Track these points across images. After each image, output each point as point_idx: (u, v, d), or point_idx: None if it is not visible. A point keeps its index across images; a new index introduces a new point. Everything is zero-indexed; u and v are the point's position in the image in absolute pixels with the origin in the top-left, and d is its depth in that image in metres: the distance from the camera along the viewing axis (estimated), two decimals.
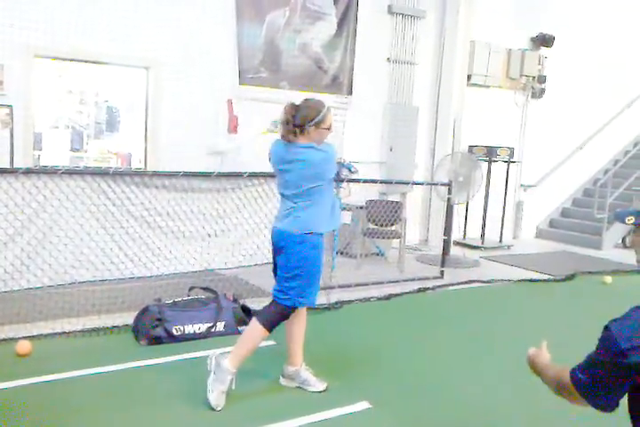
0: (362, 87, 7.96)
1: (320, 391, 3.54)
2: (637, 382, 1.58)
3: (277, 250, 3.43)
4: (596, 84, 10.07)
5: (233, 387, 3.30)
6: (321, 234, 3.40)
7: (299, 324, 3.59)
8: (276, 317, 3.41)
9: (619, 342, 1.54)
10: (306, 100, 3.38)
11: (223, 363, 3.28)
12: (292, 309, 3.41)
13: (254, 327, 3.39)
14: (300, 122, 3.26)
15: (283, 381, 3.64)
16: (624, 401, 1.68)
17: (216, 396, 3.23)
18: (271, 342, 4.12)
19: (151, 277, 4.79)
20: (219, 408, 3.22)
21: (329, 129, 3.34)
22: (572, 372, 1.67)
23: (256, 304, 4.61)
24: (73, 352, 3.98)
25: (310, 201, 3.33)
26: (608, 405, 1.63)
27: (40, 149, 7.25)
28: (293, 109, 3.29)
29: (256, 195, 5.18)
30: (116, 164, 7.99)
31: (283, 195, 3.45)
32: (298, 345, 3.61)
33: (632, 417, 1.67)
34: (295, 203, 3.35)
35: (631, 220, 1.84)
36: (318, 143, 3.32)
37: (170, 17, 6.25)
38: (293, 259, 3.33)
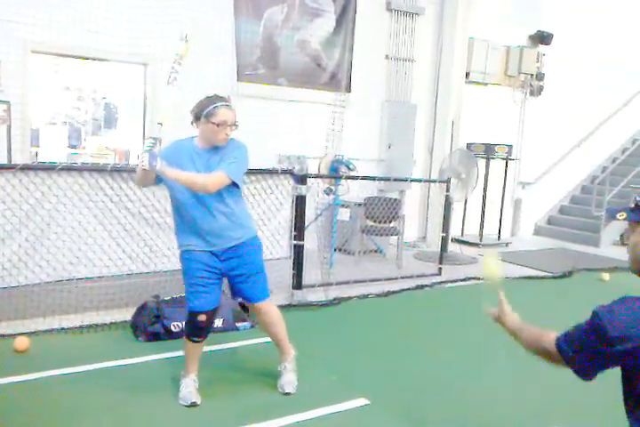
0: (360, 84, 7.95)
1: (285, 394, 3.45)
2: (624, 366, 1.61)
3: None
4: (595, 81, 10.07)
5: (196, 385, 3.34)
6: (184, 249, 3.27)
7: (263, 321, 3.51)
8: (187, 324, 3.37)
9: (607, 331, 1.57)
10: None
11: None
12: (190, 313, 3.29)
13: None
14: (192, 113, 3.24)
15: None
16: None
17: (181, 395, 3.28)
18: (269, 339, 4.12)
19: (149, 273, 4.77)
20: (187, 403, 3.24)
21: (216, 124, 3.12)
22: (558, 341, 1.73)
23: None
24: (71, 349, 3.98)
25: None
26: (589, 374, 1.68)
27: (37, 146, 7.23)
28: None
29: (254, 191, 5.16)
30: (114, 160, 7.97)
31: None
32: (276, 342, 3.55)
33: (625, 399, 1.69)
34: None
35: (622, 215, 1.85)
36: (210, 142, 3.19)
37: (167, 13, 6.22)
38: None
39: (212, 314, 3.30)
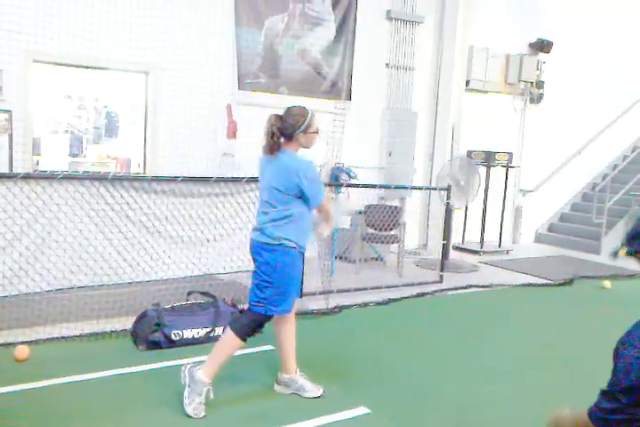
0: (361, 92, 7.97)
1: (317, 397, 3.52)
2: None
3: (254, 259, 3.43)
4: (595, 89, 10.10)
5: (211, 396, 3.28)
6: (294, 245, 3.33)
7: (287, 331, 3.55)
8: (250, 325, 3.36)
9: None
10: (289, 108, 3.37)
11: (197, 375, 3.26)
12: (266, 317, 3.35)
13: (229, 337, 3.35)
14: (288, 131, 3.28)
15: (277, 388, 3.62)
16: None
17: (194, 407, 3.22)
18: (268, 347, 4.12)
19: (150, 281, 4.77)
20: (199, 417, 3.20)
21: (317, 132, 3.38)
22: (590, 409, 1.65)
23: None
24: (71, 357, 3.98)
25: (282, 211, 3.31)
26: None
27: (39, 154, 7.25)
28: (279, 121, 3.28)
29: (255, 199, 5.17)
30: (115, 169, 7.99)
31: (260, 205, 3.46)
32: (290, 352, 3.58)
33: None
34: (267, 213, 3.35)
35: (623, 251, 1.84)
36: (307, 147, 3.39)
37: (169, 22, 6.27)
38: (265, 268, 3.31)
39: None
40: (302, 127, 3.30)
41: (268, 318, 3.37)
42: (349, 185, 6.47)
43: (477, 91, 8.98)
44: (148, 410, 3.30)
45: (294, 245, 3.31)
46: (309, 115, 3.34)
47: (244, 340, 3.35)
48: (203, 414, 3.21)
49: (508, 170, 8.92)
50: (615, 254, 1.89)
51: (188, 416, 3.19)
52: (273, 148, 3.29)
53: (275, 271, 3.29)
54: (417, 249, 8.64)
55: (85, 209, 4.43)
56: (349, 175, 6.79)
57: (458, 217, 8.45)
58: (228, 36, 6.88)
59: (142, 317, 4.33)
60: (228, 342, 3.35)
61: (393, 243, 7.37)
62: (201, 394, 3.23)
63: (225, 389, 3.59)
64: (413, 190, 8.04)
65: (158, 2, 6.22)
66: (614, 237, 9.26)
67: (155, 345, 4.17)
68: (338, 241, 6.95)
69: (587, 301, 6.43)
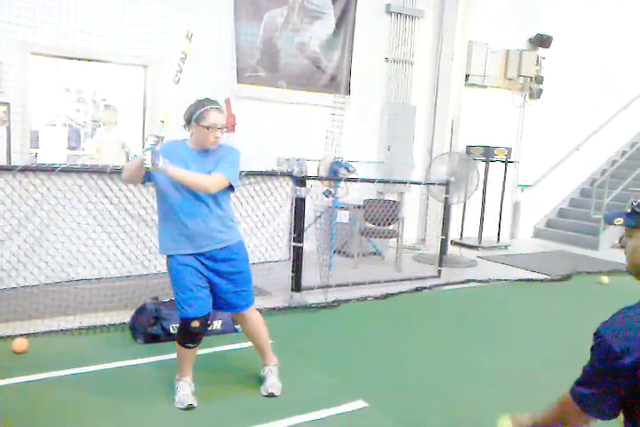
0: (360, 87, 7.96)
1: (266, 395, 3.43)
2: (633, 386, 1.56)
3: None
4: (594, 84, 10.09)
5: (192, 389, 3.33)
6: (170, 256, 3.24)
7: (246, 328, 3.52)
8: (178, 327, 3.35)
9: (612, 346, 1.53)
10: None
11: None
12: (181, 318, 3.25)
13: None
14: (185, 117, 3.20)
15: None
16: None
17: (178, 399, 3.27)
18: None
19: (148, 275, 4.77)
20: (186, 405, 3.23)
21: (207, 128, 3.08)
22: (572, 389, 1.65)
23: None
24: (70, 350, 3.98)
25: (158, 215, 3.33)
26: (611, 413, 1.61)
27: (37, 147, 7.24)
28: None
29: (253, 193, 5.17)
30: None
31: None
32: (257, 345, 3.55)
33: (628, 422, 1.65)
34: None
35: (619, 221, 1.82)
36: (201, 144, 3.16)
37: (168, 15, 6.23)
38: None
39: (205, 319, 3.26)
40: (193, 117, 3.12)
41: (187, 320, 3.21)
42: (348, 179, 6.46)
43: (477, 86, 8.97)
44: (145, 403, 3.30)
45: (161, 246, 3.29)
46: (206, 107, 3.11)
47: (182, 346, 3.29)
48: (188, 403, 3.23)
49: (506, 165, 8.91)
50: (609, 220, 1.85)
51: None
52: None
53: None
54: (415, 244, 8.64)
55: (83, 202, 4.41)
56: (348, 170, 6.79)
57: (457, 212, 8.46)
58: (227, 29, 6.85)
59: (141, 310, 4.33)
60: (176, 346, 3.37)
61: (391, 237, 7.37)
62: (177, 391, 3.30)
63: (225, 382, 3.60)
64: (412, 185, 8.04)
65: None
66: (612, 233, 9.27)
67: (153, 338, 4.17)
68: (336, 235, 6.95)
69: (585, 296, 6.44)
